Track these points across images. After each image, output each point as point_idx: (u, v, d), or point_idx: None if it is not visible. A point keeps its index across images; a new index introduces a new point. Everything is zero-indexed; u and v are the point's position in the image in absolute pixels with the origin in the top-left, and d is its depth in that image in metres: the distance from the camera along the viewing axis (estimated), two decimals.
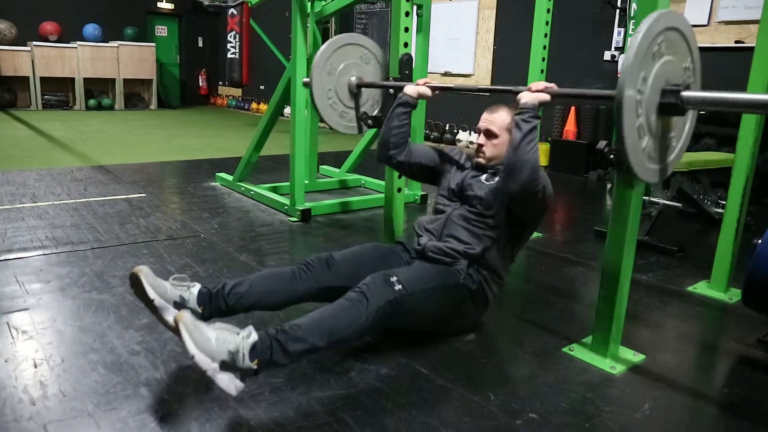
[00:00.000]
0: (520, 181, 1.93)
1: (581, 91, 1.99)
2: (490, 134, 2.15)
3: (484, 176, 2.17)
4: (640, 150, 1.62)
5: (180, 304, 1.87)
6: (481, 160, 2.20)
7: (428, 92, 2.34)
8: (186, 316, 1.57)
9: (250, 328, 1.60)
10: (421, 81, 2.35)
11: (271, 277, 2.01)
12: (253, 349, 1.56)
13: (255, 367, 1.56)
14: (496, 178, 2.12)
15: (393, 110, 2.30)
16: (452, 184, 2.23)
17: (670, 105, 1.64)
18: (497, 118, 2.15)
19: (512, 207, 2.07)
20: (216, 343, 1.54)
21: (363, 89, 2.66)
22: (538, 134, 1.93)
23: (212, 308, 1.91)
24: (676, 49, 1.66)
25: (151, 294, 1.82)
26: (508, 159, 1.95)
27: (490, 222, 2.10)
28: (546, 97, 1.90)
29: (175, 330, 1.87)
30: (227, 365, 1.54)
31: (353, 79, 2.57)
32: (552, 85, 1.92)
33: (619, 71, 5.76)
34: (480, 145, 2.19)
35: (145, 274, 1.85)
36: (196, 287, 1.91)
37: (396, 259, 2.18)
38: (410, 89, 2.33)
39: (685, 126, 1.86)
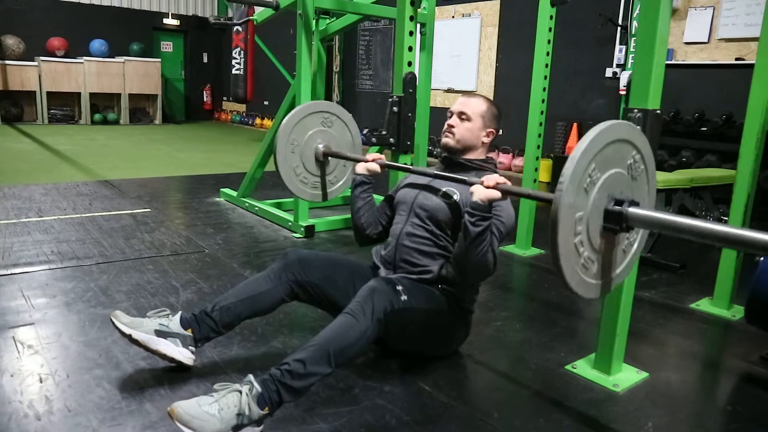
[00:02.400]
0: (470, 280, 2.00)
1: (528, 190, 1.83)
2: (463, 116, 2.08)
3: (440, 194, 2.06)
4: (576, 260, 1.45)
5: (161, 332, 1.88)
6: (449, 140, 2.10)
7: (377, 168, 2.22)
8: (177, 409, 1.50)
9: (250, 378, 1.59)
10: (370, 156, 2.26)
11: (252, 283, 2.00)
12: (260, 398, 1.55)
13: (266, 412, 1.56)
14: (455, 197, 2.02)
15: (352, 194, 2.24)
16: (402, 200, 2.16)
17: (612, 227, 1.49)
18: (473, 103, 2.09)
19: None
20: (221, 416, 1.51)
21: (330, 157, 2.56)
22: (487, 238, 1.81)
23: (202, 331, 1.92)
24: (616, 157, 1.48)
25: (127, 330, 1.86)
26: (457, 259, 1.90)
27: (440, 241, 2.02)
28: (497, 194, 1.76)
29: (172, 360, 1.89)
30: (239, 426, 1.53)
31: (320, 147, 2.48)
32: (504, 180, 1.79)
33: (621, 88, 5.81)
34: (451, 126, 2.10)
35: (117, 315, 1.90)
36: (177, 314, 1.93)
37: (365, 275, 2.10)
38: (360, 168, 2.24)
39: (636, 239, 1.66)
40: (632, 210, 1.46)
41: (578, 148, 1.37)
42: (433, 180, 2.12)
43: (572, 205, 1.38)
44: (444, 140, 2.12)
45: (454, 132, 2.09)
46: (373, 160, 2.23)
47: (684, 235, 1.42)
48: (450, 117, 2.11)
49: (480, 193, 1.78)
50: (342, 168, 2.61)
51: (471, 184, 1.85)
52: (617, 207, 1.47)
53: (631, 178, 1.54)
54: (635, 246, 1.66)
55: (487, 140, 2.11)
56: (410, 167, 2.22)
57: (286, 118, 2.40)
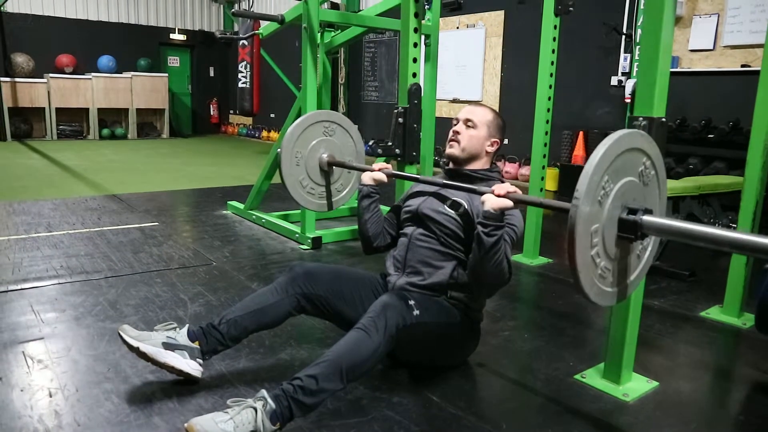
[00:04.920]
0: (486, 290, 2.01)
1: (540, 199, 1.82)
2: (469, 123, 2.07)
3: (447, 203, 2.05)
4: (593, 271, 1.46)
5: (169, 345, 1.89)
6: (454, 150, 2.08)
7: (383, 178, 2.21)
8: (196, 426, 1.52)
9: (264, 393, 1.59)
10: (376, 166, 2.24)
11: (259, 296, 2.00)
12: (273, 415, 1.56)
13: (277, 428, 1.57)
14: (462, 208, 2.01)
15: (359, 205, 2.23)
16: (409, 207, 2.16)
17: (628, 236, 1.50)
18: (479, 111, 2.10)
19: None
20: None
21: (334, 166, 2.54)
22: (502, 246, 1.80)
23: (209, 343, 1.92)
24: (628, 166, 1.50)
25: (134, 343, 1.87)
26: (473, 270, 1.87)
27: (450, 245, 2.01)
28: (509, 203, 1.74)
29: (180, 372, 1.89)
30: None
31: (324, 156, 2.47)
32: (515, 189, 1.78)
33: (626, 96, 5.81)
34: (456, 132, 2.08)
35: (124, 329, 1.91)
36: (185, 327, 1.94)
37: (371, 286, 2.11)
38: (366, 178, 2.22)
39: (647, 248, 1.67)
40: (647, 218, 1.47)
41: (590, 162, 1.38)
42: (441, 189, 2.11)
43: (588, 220, 1.39)
44: (448, 150, 2.11)
45: (459, 139, 2.08)
46: (379, 170, 2.22)
47: (698, 243, 1.43)
48: (456, 124, 2.11)
49: (492, 202, 1.76)
50: (347, 175, 2.59)
51: (481, 193, 1.83)
52: (632, 216, 1.47)
53: (642, 184, 1.54)
54: (648, 250, 1.67)
55: (491, 149, 2.10)
56: (418, 177, 2.21)
57: (288, 131, 2.41)
